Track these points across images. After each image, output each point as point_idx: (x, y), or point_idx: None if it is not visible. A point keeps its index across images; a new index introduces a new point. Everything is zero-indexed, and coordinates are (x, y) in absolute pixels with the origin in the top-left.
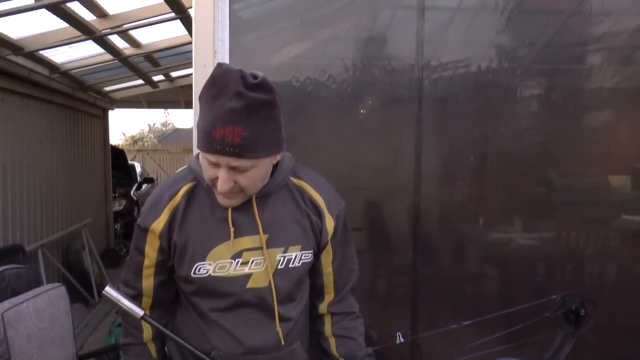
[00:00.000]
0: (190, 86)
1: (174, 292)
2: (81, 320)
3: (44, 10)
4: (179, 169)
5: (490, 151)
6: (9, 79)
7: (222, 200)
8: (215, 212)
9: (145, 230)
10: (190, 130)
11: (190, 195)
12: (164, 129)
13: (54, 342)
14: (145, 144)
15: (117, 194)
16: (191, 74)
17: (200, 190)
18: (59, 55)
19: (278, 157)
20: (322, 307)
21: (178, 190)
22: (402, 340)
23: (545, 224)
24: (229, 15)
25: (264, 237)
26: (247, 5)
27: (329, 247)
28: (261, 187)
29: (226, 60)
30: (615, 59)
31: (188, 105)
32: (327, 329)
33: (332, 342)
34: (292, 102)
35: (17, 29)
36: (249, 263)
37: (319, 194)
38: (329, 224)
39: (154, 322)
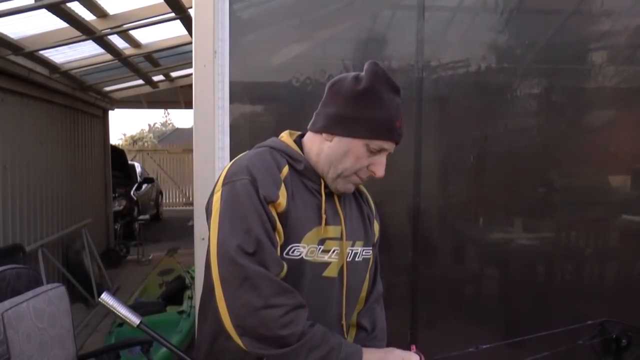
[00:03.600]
0: (190, 86)
1: None
2: (81, 320)
3: (44, 10)
4: (255, 149)
5: (490, 151)
6: (9, 79)
7: (349, 187)
8: (309, 199)
9: (266, 201)
10: (190, 130)
11: (291, 177)
12: (164, 129)
13: (53, 342)
14: (145, 144)
15: (117, 194)
16: (191, 74)
17: (293, 174)
18: (59, 55)
19: None
20: (353, 318)
21: (284, 165)
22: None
23: (545, 223)
24: (229, 15)
25: (345, 229)
26: (247, 5)
27: (373, 252)
28: None
29: (226, 61)
30: (615, 59)
31: (188, 105)
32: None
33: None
34: (292, 102)
35: (17, 29)
36: (330, 252)
37: (370, 199)
38: (376, 228)
39: (151, 332)
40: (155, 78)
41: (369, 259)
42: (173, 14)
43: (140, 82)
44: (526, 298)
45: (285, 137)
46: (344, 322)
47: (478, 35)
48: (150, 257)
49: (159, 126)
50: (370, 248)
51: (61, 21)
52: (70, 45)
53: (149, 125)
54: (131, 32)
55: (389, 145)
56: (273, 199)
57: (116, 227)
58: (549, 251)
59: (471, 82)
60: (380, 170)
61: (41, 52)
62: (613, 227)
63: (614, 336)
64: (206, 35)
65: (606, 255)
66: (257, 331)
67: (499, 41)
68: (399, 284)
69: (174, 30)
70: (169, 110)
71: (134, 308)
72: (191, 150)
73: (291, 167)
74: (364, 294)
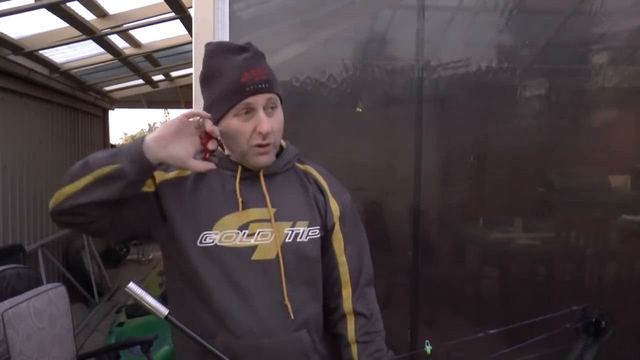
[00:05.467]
0: (190, 86)
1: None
2: (81, 320)
3: (44, 10)
4: None
5: (490, 151)
6: (9, 79)
7: (261, 158)
8: (225, 186)
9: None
10: None
11: (199, 173)
12: None
13: (54, 342)
14: None
15: None
16: (191, 74)
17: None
18: (59, 55)
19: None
20: (346, 305)
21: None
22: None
23: (545, 224)
24: (229, 15)
25: (272, 210)
26: (247, 5)
27: (338, 233)
28: (279, 143)
29: None
30: (615, 59)
31: (188, 105)
32: (351, 334)
33: (355, 349)
34: (292, 102)
35: (17, 28)
36: (255, 234)
37: (323, 178)
38: (334, 206)
39: (179, 323)
40: (155, 78)
41: (317, 238)
42: (173, 14)
43: (140, 81)
44: (526, 298)
45: None
46: (287, 302)
47: (478, 35)
48: (150, 257)
49: (159, 126)
50: (318, 227)
51: (61, 21)
52: (70, 45)
53: (149, 125)
54: (131, 31)
55: (253, 100)
56: (158, 169)
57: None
58: (549, 251)
59: (471, 82)
60: (261, 126)
61: (41, 51)
62: (613, 227)
63: (594, 320)
64: (206, 35)
65: (607, 255)
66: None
67: (499, 41)
68: (399, 284)
69: (174, 30)
70: (169, 110)
71: (134, 308)
72: None
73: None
74: (340, 275)
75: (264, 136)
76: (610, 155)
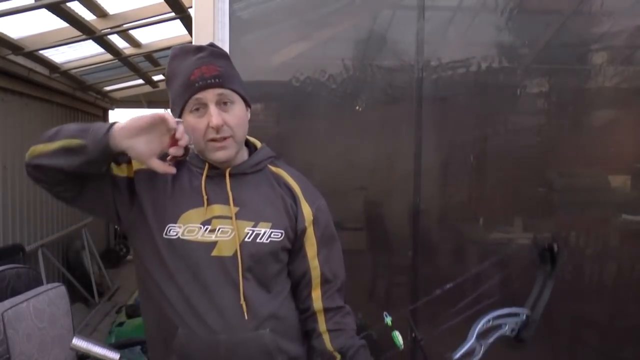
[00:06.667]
0: None
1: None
2: (81, 320)
3: (44, 10)
4: None
5: (490, 151)
6: (9, 79)
7: (218, 153)
8: (192, 182)
9: (129, 161)
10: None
11: (179, 168)
12: None
13: (54, 342)
14: None
15: None
16: None
17: (182, 165)
18: (59, 55)
19: (248, 115)
20: (316, 305)
21: None
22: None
23: (545, 223)
24: (229, 15)
25: (234, 209)
26: (247, 5)
27: (311, 238)
28: (242, 138)
29: None
30: (615, 59)
31: None
32: (322, 325)
33: (326, 337)
34: (292, 102)
35: (17, 28)
36: (216, 231)
37: (296, 182)
38: (306, 210)
39: None
40: (155, 78)
41: (279, 241)
42: (173, 14)
43: (140, 82)
44: (526, 298)
45: None
46: (242, 302)
47: (478, 35)
48: None
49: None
50: (281, 231)
51: (61, 21)
52: (70, 45)
53: None
54: (131, 31)
55: (202, 96)
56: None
57: (116, 227)
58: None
59: (471, 82)
60: (212, 120)
61: (41, 51)
62: (614, 227)
63: (547, 245)
64: (206, 35)
65: (607, 255)
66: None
67: (499, 41)
68: (399, 284)
69: (174, 30)
70: (169, 110)
71: (134, 308)
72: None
73: (186, 160)
74: (312, 279)
75: (217, 130)
76: (610, 155)
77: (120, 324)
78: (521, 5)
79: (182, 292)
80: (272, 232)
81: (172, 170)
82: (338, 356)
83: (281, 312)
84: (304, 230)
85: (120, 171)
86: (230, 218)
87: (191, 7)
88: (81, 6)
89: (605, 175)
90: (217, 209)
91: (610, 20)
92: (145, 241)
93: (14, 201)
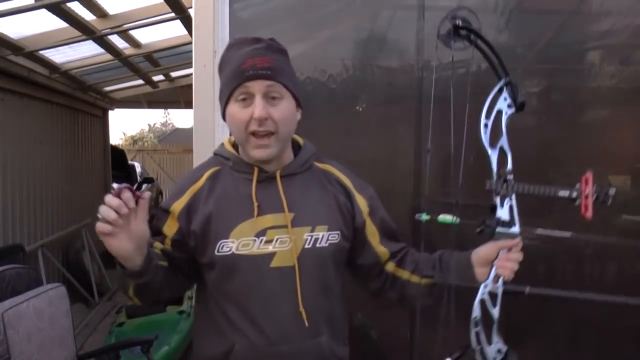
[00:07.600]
0: (190, 86)
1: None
2: (81, 320)
3: (44, 10)
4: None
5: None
6: (9, 79)
7: (257, 151)
8: (240, 190)
9: (165, 212)
10: (190, 130)
11: (214, 179)
12: (164, 129)
13: (54, 342)
14: (145, 144)
15: None
16: (191, 74)
17: (225, 172)
18: (59, 55)
19: (299, 116)
20: (388, 267)
21: (201, 176)
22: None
23: (545, 223)
24: (229, 15)
25: (290, 216)
26: (247, 5)
27: (371, 227)
28: (287, 137)
29: None
30: (615, 59)
31: (188, 105)
32: (405, 274)
33: (415, 278)
34: None
35: (17, 29)
36: (273, 241)
37: (345, 176)
38: (361, 202)
39: None
40: (155, 78)
41: (337, 242)
42: (173, 14)
43: (140, 82)
44: (526, 297)
45: (227, 139)
46: (302, 309)
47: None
48: None
49: (159, 126)
50: (337, 232)
51: (61, 21)
52: (70, 45)
53: (149, 125)
54: (131, 32)
55: (250, 84)
56: (167, 207)
57: None
58: (550, 251)
59: (471, 82)
60: (256, 111)
61: (41, 52)
62: (614, 227)
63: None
64: (206, 35)
65: (608, 255)
66: None
67: (499, 41)
68: None
69: (174, 30)
70: (169, 110)
71: (134, 308)
72: (191, 150)
73: (225, 167)
74: (381, 260)
75: (259, 122)
76: (610, 155)
77: (120, 324)
78: (521, 5)
79: (239, 308)
80: (329, 235)
81: (109, 228)
82: (429, 280)
83: (336, 313)
84: (364, 223)
85: (169, 231)
86: (286, 227)
87: (191, 7)
88: (81, 6)
89: (605, 175)
90: (270, 219)
91: (610, 20)
92: (203, 263)
93: (14, 201)
